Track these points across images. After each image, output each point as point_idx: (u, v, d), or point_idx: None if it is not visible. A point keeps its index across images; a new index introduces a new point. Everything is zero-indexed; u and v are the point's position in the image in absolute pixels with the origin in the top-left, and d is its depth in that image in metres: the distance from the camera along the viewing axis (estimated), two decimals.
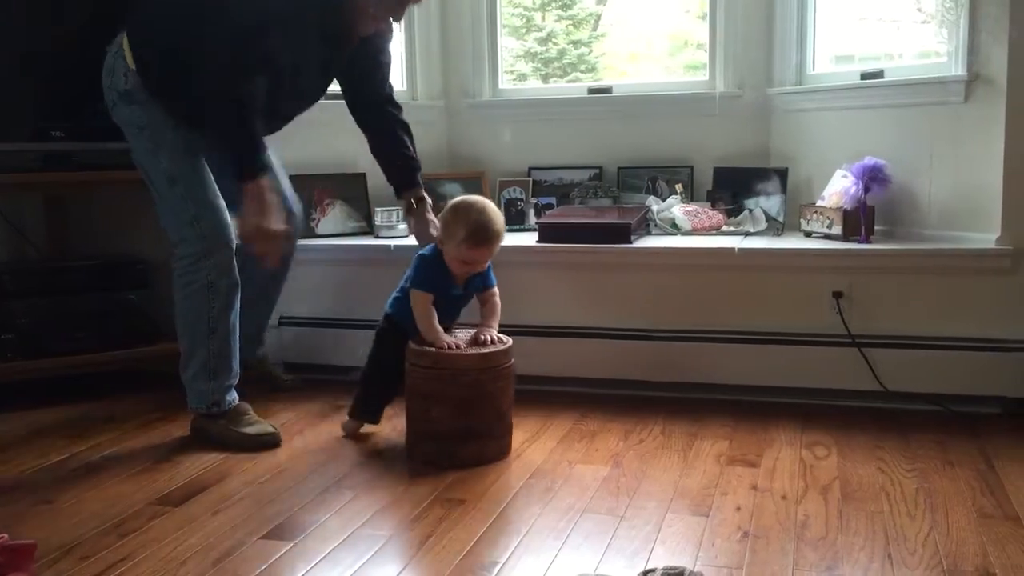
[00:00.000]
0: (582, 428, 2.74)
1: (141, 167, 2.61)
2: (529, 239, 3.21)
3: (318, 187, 3.43)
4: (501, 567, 1.87)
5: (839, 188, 2.95)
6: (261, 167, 2.48)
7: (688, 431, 2.66)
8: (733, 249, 2.91)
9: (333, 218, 3.45)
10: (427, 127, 3.56)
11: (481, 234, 2.43)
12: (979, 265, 2.72)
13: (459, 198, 2.52)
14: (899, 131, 2.95)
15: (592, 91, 3.55)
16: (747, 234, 3.15)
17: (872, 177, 2.88)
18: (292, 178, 3.42)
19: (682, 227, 3.21)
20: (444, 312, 2.54)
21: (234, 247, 2.59)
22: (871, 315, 2.81)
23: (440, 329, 2.48)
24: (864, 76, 3.04)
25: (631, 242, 3.04)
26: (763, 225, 3.19)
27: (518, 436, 2.67)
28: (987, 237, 2.73)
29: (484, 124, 3.63)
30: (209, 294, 2.56)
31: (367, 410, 2.68)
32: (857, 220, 2.91)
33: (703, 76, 3.46)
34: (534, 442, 2.63)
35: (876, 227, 2.96)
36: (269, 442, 2.59)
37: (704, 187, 3.38)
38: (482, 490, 2.28)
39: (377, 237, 3.33)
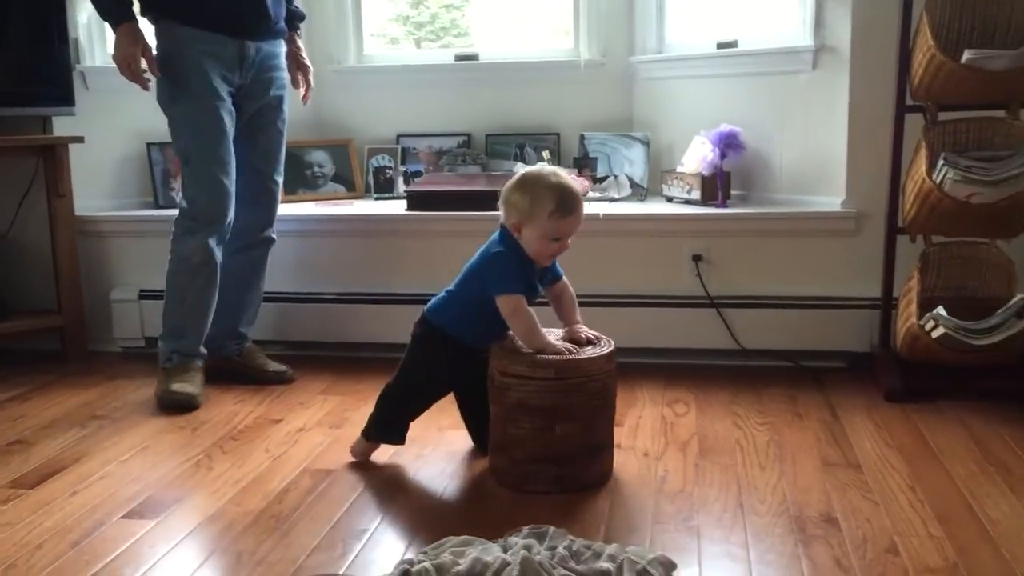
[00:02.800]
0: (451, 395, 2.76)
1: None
2: (398, 207, 3.20)
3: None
4: (371, 534, 1.89)
5: (697, 155, 3.05)
6: (115, 16, 2.58)
7: None
8: (598, 215, 2.97)
9: None
10: (291, 93, 3.49)
11: (570, 197, 2.07)
12: (826, 227, 2.87)
13: (517, 175, 2.13)
14: (753, 99, 3.06)
15: (459, 58, 3.54)
16: (612, 200, 3.23)
17: (728, 144, 2.99)
18: (151, 146, 3.32)
19: None
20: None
21: (223, 229, 2.70)
22: (728, 277, 2.93)
23: (546, 333, 2.12)
24: (720, 45, 3.14)
25: (499, 209, 3.06)
26: (627, 191, 3.27)
27: None
28: (833, 201, 2.88)
29: (350, 90, 3.57)
30: (183, 266, 2.70)
31: (390, 430, 2.27)
32: (714, 185, 3.01)
33: (568, 44, 3.50)
34: None
35: (732, 192, 3.08)
36: (179, 402, 2.66)
37: (571, 154, 3.43)
38: (350, 460, 2.28)
39: None
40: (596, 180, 3.32)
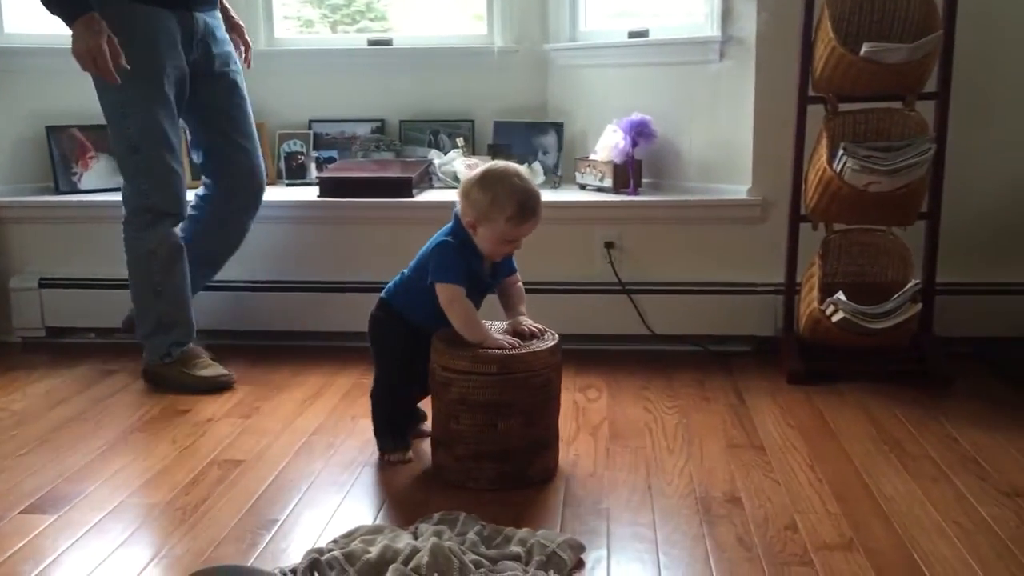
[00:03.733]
0: (365, 383, 2.74)
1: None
2: (310, 193, 3.16)
3: (80, 139, 3.22)
4: (281, 524, 1.87)
5: (609, 143, 3.08)
6: (71, 10, 2.37)
7: None
8: None
9: (96, 172, 3.26)
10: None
11: (530, 205, 2.03)
12: (733, 215, 2.93)
13: (482, 169, 2.08)
14: (664, 88, 3.11)
15: (372, 43, 3.50)
16: None
17: (639, 132, 3.03)
18: (51, 129, 3.21)
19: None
20: (474, 301, 2.12)
21: (181, 217, 2.66)
22: (639, 263, 2.98)
23: (487, 327, 2.08)
24: (631, 35, 3.17)
25: (413, 196, 3.06)
26: (542, 178, 3.29)
27: (301, 393, 2.66)
28: (740, 189, 2.95)
29: (260, 74, 3.47)
30: (151, 260, 2.62)
31: (398, 437, 2.21)
32: (626, 173, 3.05)
33: (482, 30, 3.50)
34: (317, 399, 2.62)
35: (644, 180, 3.13)
36: (224, 384, 2.66)
37: (485, 141, 3.44)
38: (261, 450, 2.25)
39: None
40: None
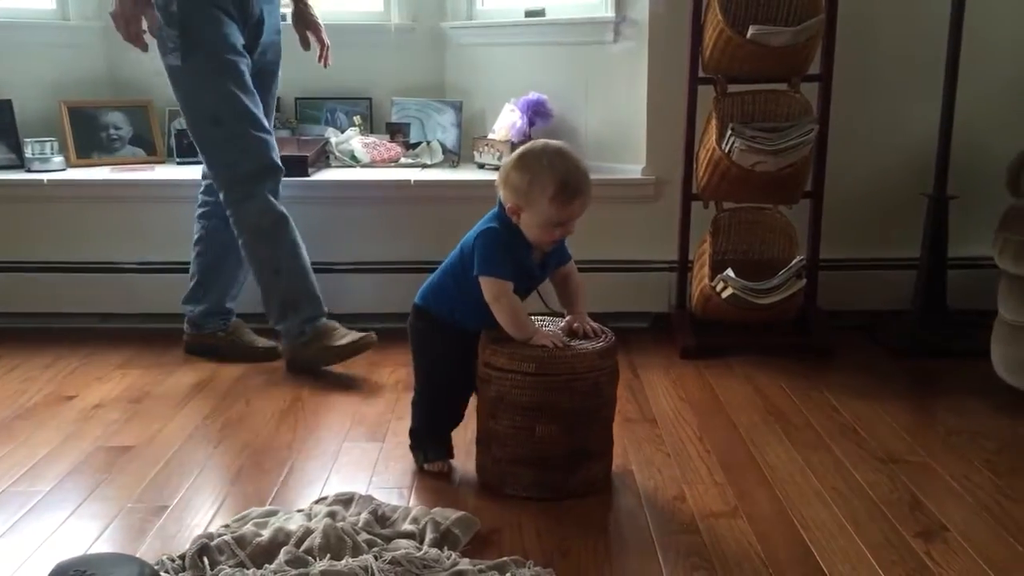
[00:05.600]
0: (261, 365, 2.71)
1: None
2: (200, 172, 3.08)
3: None
4: (170, 510, 1.84)
5: (507, 122, 3.10)
6: None
7: (369, 360, 2.70)
8: (410, 181, 2.98)
9: None
10: (82, 51, 3.30)
11: (574, 182, 1.83)
12: (628, 194, 2.98)
13: (520, 150, 1.89)
14: (560, 67, 3.13)
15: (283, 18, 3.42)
16: (424, 166, 3.23)
17: (536, 111, 3.05)
18: None
19: (361, 159, 3.23)
20: (520, 296, 1.94)
21: (277, 178, 2.57)
22: None
23: (534, 323, 1.92)
24: (528, 14, 3.18)
25: (309, 175, 3.01)
26: (440, 157, 3.28)
27: (193, 377, 2.61)
28: (634, 168, 3.00)
29: (150, 49, 3.38)
30: (258, 237, 2.55)
31: (439, 446, 2.05)
32: None
33: (379, 7, 3.46)
34: (211, 382, 2.57)
35: None
36: (368, 343, 2.58)
37: (383, 119, 3.41)
38: (151, 435, 2.21)
39: (28, 171, 3.06)
40: (409, 146, 3.31)
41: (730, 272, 2.61)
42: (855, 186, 2.94)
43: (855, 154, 2.91)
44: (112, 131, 3.29)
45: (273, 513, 1.76)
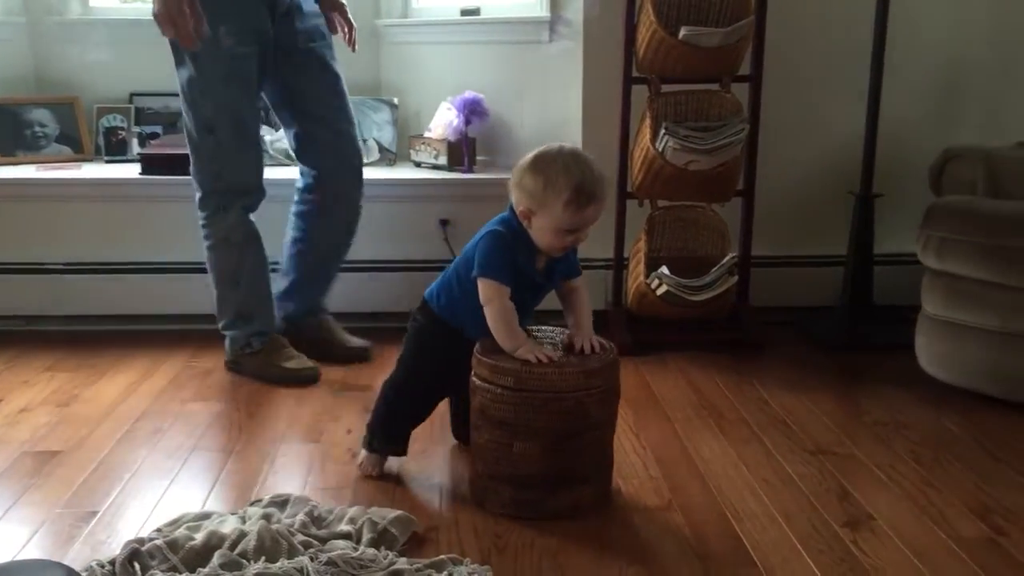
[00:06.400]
0: (196, 366, 2.67)
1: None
2: (131, 170, 3.03)
3: None
4: (100, 515, 1.81)
5: (443, 120, 3.09)
6: None
7: None
8: None
9: None
10: (6, 46, 3.22)
11: (590, 186, 1.77)
12: None
13: (535, 152, 1.83)
14: (496, 66, 3.14)
15: None
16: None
17: (472, 110, 3.05)
18: None
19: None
20: (520, 308, 1.86)
21: (257, 199, 2.53)
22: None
23: (523, 334, 1.83)
24: (463, 12, 3.18)
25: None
26: (376, 156, 3.26)
27: (124, 379, 2.56)
28: None
29: (76, 44, 3.32)
30: (227, 248, 2.52)
31: (389, 437, 2.00)
32: (460, 151, 3.07)
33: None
34: (142, 384, 2.52)
35: (478, 157, 3.16)
36: (309, 377, 2.54)
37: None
38: (80, 439, 2.16)
39: None
40: None
41: (665, 269, 2.65)
42: (785, 185, 3.00)
43: (785, 153, 2.97)
44: (37, 128, 3.21)
45: (206, 516, 1.74)
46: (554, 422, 1.76)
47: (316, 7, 2.58)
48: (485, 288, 1.82)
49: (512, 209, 1.85)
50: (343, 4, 2.66)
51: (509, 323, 1.81)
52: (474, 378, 1.83)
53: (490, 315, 1.82)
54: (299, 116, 2.59)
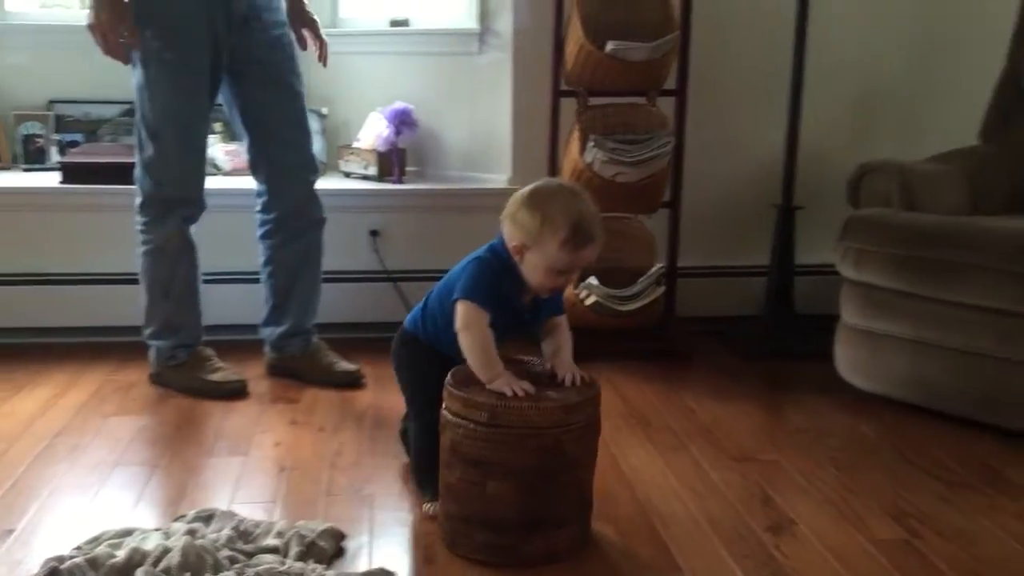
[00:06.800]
0: (117, 379, 2.61)
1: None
2: (51, 179, 2.95)
3: None
4: (18, 534, 1.75)
5: (373, 131, 3.09)
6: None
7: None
8: None
9: None
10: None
11: (587, 226, 1.71)
12: (494, 203, 2.92)
13: (532, 186, 1.77)
14: (426, 78, 3.15)
15: None
16: None
17: (402, 121, 3.05)
18: None
19: (222, 167, 3.15)
20: (500, 340, 1.77)
21: (197, 210, 2.49)
22: (404, 251, 3.01)
23: (501, 364, 1.73)
24: (392, 23, 3.18)
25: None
26: None
27: (43, 393, 2.49)
28: (500, 178, 3.04)
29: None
30: (160, 257, 2.47)
31: (437, 480, 1.82)
32: (390, 162, 3.07)
33: None
34: (62, 399, 2.46)
35: (408, 168, 3.16)
36: (234, 390, 2.50)
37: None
38: None
39: None
40: None
41: (593, 280, 2.68)
42: (710, 197, 3.06)
43: (709, 166, 3.03)
44: None
45: (128, 533, 1.70)
46: (530, 460, 1.65)
47: (281, 17, 2.54)
48: (464, 312, 1.74)
49: (502, 240, 1.78)
50: (314, 20, 2.63)
51: (486, 351, 1.73)
52: (445, 412, 1.72)
53: (466, 342, 1.74)
54: (252, 129, 2.55)
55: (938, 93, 3.11)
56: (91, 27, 2.27)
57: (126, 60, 2.33)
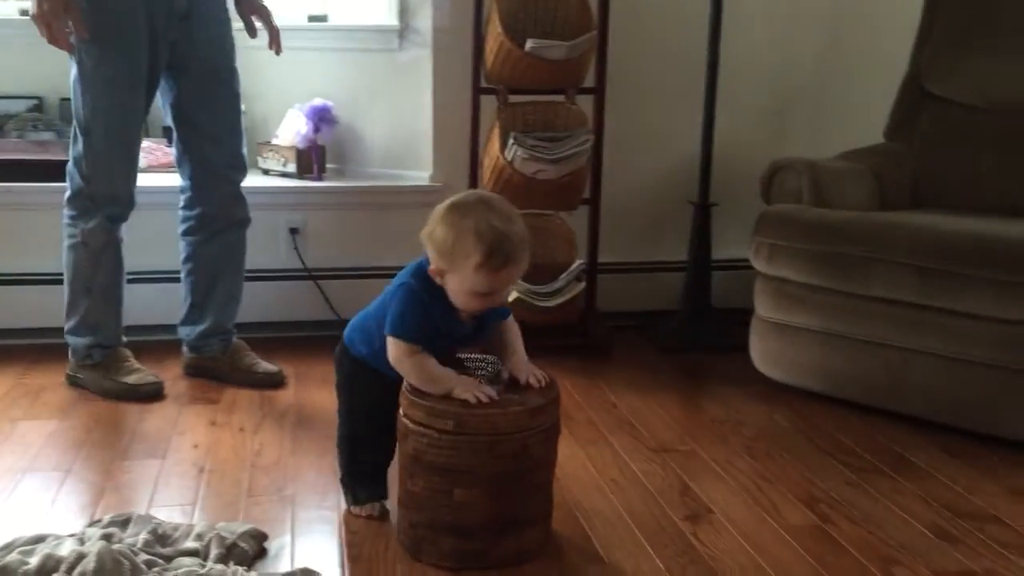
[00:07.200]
0: (27, 383, 2.54)
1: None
2: None
3: None
4: None
5: (292, 128, 3.06)
6: None
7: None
8: None
9: None
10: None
11: (504, 249, 1.59)
12: (415, 200, 3.01)
13: (450, 201, 1.66)
14: (345, 74, 3.12)
15: (25, 13, 3.19)
16: None
17: (321, 118, 3.02)
18: None
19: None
20: (445, 351, 1.75)
21: (126, 210, 2.45)
22: (325, 249, 2.99)
23: (450, 374, 1.68)
24: (310, 19, 3.15)
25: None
26: None
27: None
28: (422, 175, 3.04)
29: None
30: (82, 252, 2.42)
31: (370, 486, 1.86)
32: (310, 159, 3.04)
33: None
34: None
35: (328, 165, 3.13)
36: (148, 392, 2.45)
37: (158, 123, 3.26)
38: None
39: None
40: None
41: None
42: (629, 193, 3.11)
43: (628, 164, 3.08)
44: None
45: (41, 539, 1.66)
46: (498, 465, 1.63)
47: (223, 13, 2.50)
48: (394, 348, 1.68)
49: (427, 260, 1.69)
50: (265, 7, 2.58)
51: (429, 374, 1.67)
52: (405, 420, 1.69)
53: (405, 374, 1.69)
54: (182, 125, 2.51)
55: (847, 92, 3.22)
56: (34, 17, 2.22)
57: (71, 48, 2.27)
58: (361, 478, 1.87)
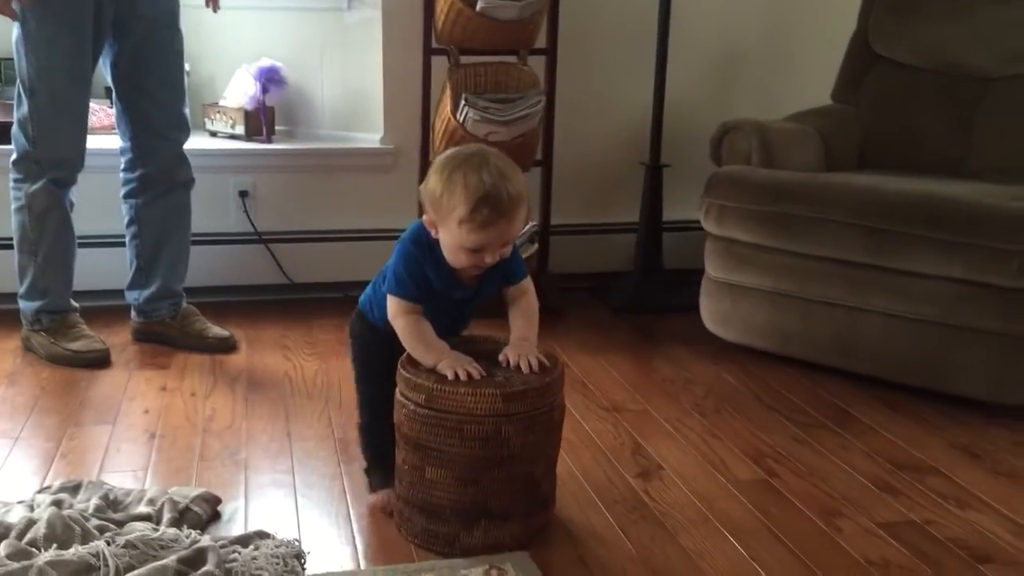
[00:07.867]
0: None
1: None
2: None
3: None
4: None
5: (240, 89, 3.00)
6: None
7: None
8: None
9: None
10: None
11: (492, 203, 1.53)
12: (367, 163, 3.00)
13: (449, 152, 1.62)
14: (294, 34, 3.07)
15: None
16: None
17: (270, 79, 2.97)
18: None
19: None
20: (447, 321, 1.70)
21: (73, 172, 2.41)
22: (275, 212, 2.96)
23: (443, 346, 1.62)
24: None
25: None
26: None
27: None
28: (373, 137, 3.01)
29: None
30: (27, 215, 2.39)
31: (381, 469, 1.76)
32: (259, 120, 2.99)
33: None
34: None
35: (277, 127, 3.08)
36: (95, 359, 2.42)
37: (102, 83, 3.19)
38: None
39: None
40: None
41: None
42: (581, 155, 3.11)
43: (580, 125, 3.08)
44: None
45: None
46: (467, 449, 1.55)
47: None
48: (392, 304, 1.64)
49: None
50: None
51: (420, 337, 1.62)
52: (397, 391, 1.66)
53: (399, 332, 1.64)
54: (123, 84, 2.47)
55: (795, 54, 3.25)
56: None
57: (15, 16, 2.24)
58: (383, 463, 1.75)
